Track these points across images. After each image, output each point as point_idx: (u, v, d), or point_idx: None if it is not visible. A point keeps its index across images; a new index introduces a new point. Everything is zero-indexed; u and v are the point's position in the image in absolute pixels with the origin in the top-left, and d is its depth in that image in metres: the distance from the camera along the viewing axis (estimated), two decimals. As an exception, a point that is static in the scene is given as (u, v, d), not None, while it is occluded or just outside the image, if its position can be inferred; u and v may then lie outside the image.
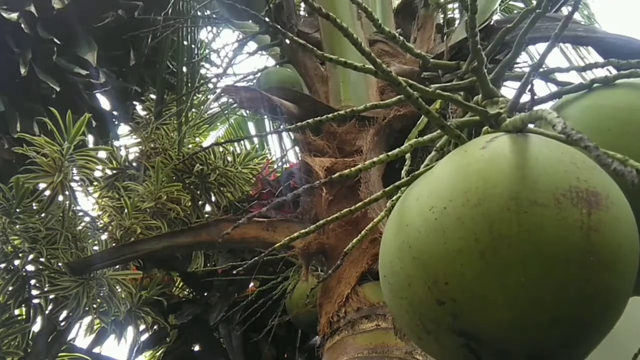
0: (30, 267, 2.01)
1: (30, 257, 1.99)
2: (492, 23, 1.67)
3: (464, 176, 0.49)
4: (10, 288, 1.93)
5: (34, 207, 2.07)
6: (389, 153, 0.66)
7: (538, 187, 0.45)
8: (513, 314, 0.45)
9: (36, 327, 2.08)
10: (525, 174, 0.46)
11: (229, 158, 2.69)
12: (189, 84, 2.85)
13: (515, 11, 3.31)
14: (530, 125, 0.57)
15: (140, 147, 2.79)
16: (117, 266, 2.14)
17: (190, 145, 2.95)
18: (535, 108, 0.54)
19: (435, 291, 0.48)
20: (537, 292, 0.44)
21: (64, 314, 2.13)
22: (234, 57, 2.62)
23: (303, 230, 0.69)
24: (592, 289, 0.45)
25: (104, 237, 2.24)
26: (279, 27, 0.81)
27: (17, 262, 1.96)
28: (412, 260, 0.50)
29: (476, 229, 0.46)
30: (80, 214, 2.23)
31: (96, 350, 2.55)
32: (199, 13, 2.89)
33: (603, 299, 0.46)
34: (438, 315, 0.49)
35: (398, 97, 0.65)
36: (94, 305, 2.01)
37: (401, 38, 0.69)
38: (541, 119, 0.50)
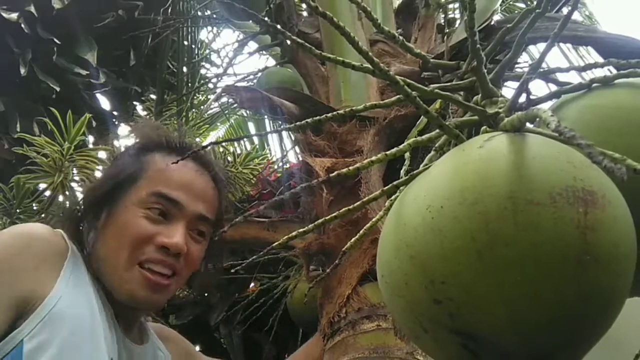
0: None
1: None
2: (492, 23, 1.67)
3: (461, 175, 0.49)
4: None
5: (35, 208, 2.07)
6: (388, 152, 0.66)
7: (534, 186, 0.45)
8: (510, 313, 0.45)
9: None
10: (521, 173, 0.46)
11: (229, 158, 2.69)
12: (189, 84, 2.85)
13: (516, 11, 3.31)
14: (529, 125, 0.57)
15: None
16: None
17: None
18: (532, 108, 0.54)
19: (432, 290, 0.48)
20: (534, 291, 0.44)
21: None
22: (234, 57, 2.63)
23: (302, 229, 0.69)
24: (589, 288, 0.45)
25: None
26: (279, 27, 0.81)
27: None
28: (409, 259, 0.50)
29: (473, 228, 0.46)
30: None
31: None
32: (199, 13, 2.89)
33: (600, 298, 0.46)
34: (435, 315, 0.49)
35: (397, 96, 0.65)
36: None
37: (401, 38, 0.69)
38: (537, 118, 0.50)
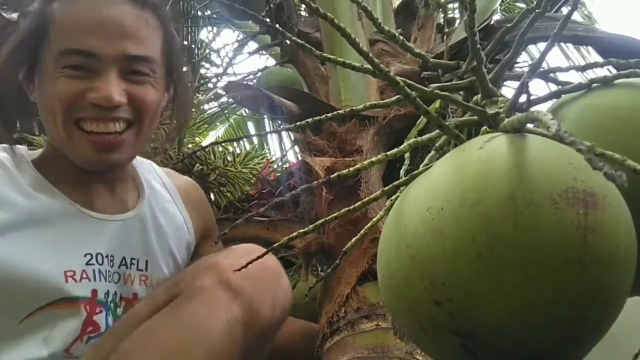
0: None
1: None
2: (492, 23, 1.67)
3: (461, 176, 0.49)
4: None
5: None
6: (388, 152, 0.66)
7: (535, 187, 0.45)
8: (510, 314, 0.45)
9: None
10: (522, 174, 0.46)
11: (229, 158, 2.69)
12: (189, 84, 2.84)
13: (516, 11, 3.31)
14: (529, 125, 0.57)
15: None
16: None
17: (190, 145, 2.94)
18: (532, 108, 0.54)
19: (432, 291, 0.48)
20: (534, 292, 0.44)
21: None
22: (234, 57, 2.62)
23: (302, 230, 0.69)
24: (589, 289, 0.45)
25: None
26: (278, 27, 0.81)
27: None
28: (410, 259, 0.50)
29: (473, 228, 0.46)
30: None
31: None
32: (199, 13, 2.89)
33: (600, 300, 0.46)
34: (435, 315, 0.49)
35: (397, 96, 0.65)
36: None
37: (401, 37, 0.69)
38: (537, 120, 0.50)
